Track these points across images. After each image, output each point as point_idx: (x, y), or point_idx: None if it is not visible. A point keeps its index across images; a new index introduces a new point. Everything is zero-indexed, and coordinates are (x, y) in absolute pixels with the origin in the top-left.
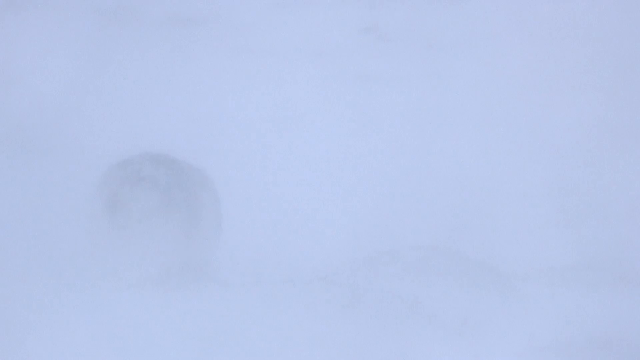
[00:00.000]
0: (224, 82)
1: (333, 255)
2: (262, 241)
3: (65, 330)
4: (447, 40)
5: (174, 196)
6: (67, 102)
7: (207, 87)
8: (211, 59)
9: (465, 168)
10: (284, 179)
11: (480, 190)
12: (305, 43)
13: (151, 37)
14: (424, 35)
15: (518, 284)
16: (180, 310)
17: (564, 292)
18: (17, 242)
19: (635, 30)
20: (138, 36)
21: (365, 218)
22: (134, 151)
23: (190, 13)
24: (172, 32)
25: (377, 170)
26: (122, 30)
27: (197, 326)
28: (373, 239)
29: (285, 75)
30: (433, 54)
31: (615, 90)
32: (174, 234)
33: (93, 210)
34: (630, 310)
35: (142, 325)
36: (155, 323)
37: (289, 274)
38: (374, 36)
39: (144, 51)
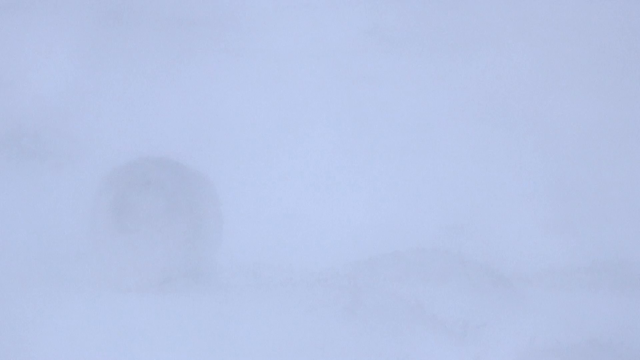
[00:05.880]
0: (225, 84)
1: (334, 258)
2: (264, 244)
3: (67, 333)
4: (448, 42)
5: (178, 200)
6: (70, 104)
7: (208, 90)
8: (213, 60)
9: (466, 169)
10: (285, 182)
11: (481, 192)
12: (307, 45)
13: (154, 39)
14: (426, 36)
15: (519, 286)
16: (182, 312)
17: (565, 294)
18: (21, 244)
19: (636, 30)
20: (141, 39)
21: (366, 220)
22: (137, 154)
23: (191, 15)
24: (174, 34)
25: (378, 171)
26: (125, 32)
27: (199, 329)
28: (374, 241)
29: (288, 77)
30: (434, 55)
31: (615, 91)
32: (177, 237)
33: (97, 212)
34: (631, 312)
35: (144, 327)
36: (157, 325)
37: (290, 276)
38: (375, 38)
39: (147, 53)
